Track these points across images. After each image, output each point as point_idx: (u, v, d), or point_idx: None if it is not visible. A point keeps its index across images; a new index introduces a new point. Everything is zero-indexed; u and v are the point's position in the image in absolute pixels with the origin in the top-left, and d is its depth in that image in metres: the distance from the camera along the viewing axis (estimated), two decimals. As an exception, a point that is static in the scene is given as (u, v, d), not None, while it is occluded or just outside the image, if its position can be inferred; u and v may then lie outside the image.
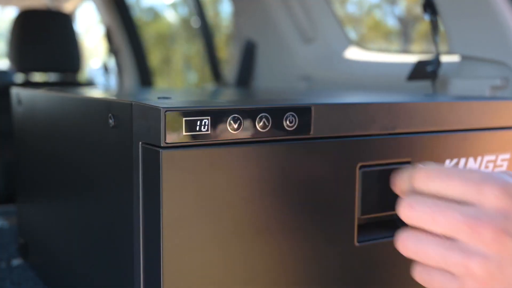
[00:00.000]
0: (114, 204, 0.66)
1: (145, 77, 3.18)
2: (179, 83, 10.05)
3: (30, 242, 1.03)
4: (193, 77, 9.86)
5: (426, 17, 1.28)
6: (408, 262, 0.56)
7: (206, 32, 2.90)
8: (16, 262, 1.10)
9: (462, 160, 0.75)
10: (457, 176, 0.51)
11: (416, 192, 0.54)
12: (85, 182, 0.75)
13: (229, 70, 2.23)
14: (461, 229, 0.49)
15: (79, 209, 0.77)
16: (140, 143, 0.58)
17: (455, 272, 0.50)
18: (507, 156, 0.79)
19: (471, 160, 0.76)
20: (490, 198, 0.49)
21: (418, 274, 0.55)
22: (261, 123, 0.59)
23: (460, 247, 0.50)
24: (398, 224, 0.72)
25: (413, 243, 0.53)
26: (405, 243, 0.54)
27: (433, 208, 0.51)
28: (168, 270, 0.56)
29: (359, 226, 0.68)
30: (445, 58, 1.29)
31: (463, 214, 0.49)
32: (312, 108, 0.62)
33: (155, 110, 0.55)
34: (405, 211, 0.53)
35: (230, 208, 0.58)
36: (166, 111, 0.54)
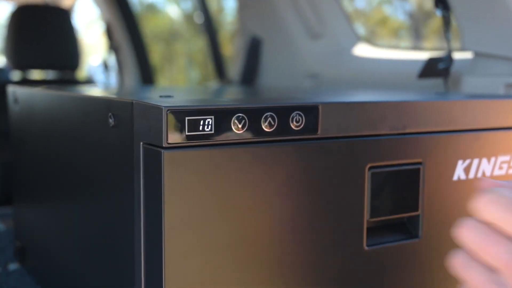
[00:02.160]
0: (114, 206, 0.66)
1: (146, 75, 3.18)
2: (181, 81, 10.05)
3: (28, 246, 1.03)
4: (196, 74, 9.86)
5: (438, 13, 1.27)
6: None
7: (209, 28, 2.91)
8: (13, 266, 1.10)
9: (475, 161, 0.75)
10: None
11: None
12: (84, 184, 0.75)
13: (233, 67, 2.23)
14: (507, 267, 0.52)
15: (78, 211, 0.78)
16: (141, 143, 0.58)
17: None
18: (522, 157, 0.79)
19: (484, 161, 0.76)
20: None
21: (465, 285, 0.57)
22: (266, 123, 0.59)
23: (500, 282, 0.53)
24: (408, 227, 0.72)
25: (460, 262, 0.56)
26: (453, 259, 0.56)
27: (488, 239, 0.54)
28: (170, 273, 0.56)
29: (368, 229, 0.68)
30: (457, 55, 1.29)
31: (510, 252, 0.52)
32: (320, 107, 0.62)
33: (157, 109, 0.55)
34: (463, 231, 0.55)
35: (233, 210, 0.58)
36: (168, 110, 0.54)
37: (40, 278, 0.97)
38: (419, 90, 1.28)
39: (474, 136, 0.75)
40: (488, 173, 0.77)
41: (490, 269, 0.54)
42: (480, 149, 0.76)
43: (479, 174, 0.76)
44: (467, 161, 0.75)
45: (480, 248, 0.54)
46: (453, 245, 0.56)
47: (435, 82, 1.30)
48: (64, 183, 0.82)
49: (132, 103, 0.60)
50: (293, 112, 0.60)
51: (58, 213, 0.86)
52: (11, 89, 1.05)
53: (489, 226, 0.55)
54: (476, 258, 0.55)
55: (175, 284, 0.57)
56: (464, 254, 0.56)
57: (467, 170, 0.75)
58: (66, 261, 0.83)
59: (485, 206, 0.54)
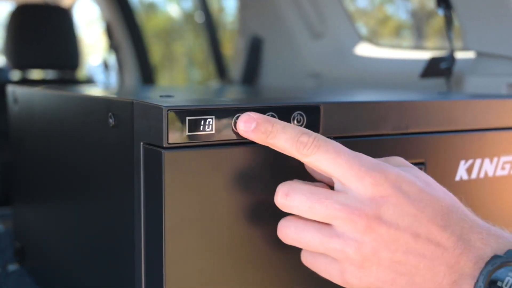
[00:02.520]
0: (114, 206, 0.66)
1: (147, 75, 3.18)
2: (182, 80, 10.05)
3: (27, 246, 1.03)
4: (196, 74, 9.86)
5: (440, 12, 1.27)
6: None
7: (210, 28, 2.91)
8: (12, 267, 1.10)
9: (478, 161, 0.75)
10: (345, 155, 0.54)
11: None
12: (84, 184, 0.75)
13: (234, 67, 2.23)
14: (337, 217, 0.53)
15: (78, 211, 0.78)
16: (142, 143, 0.58)
17: (334, 257, 0.55)
18: (524, 157, 0.79)
19: (487, 161, 0.76)
20: (367, 186, 0.53)
21: (304, 258, 0.59)
22: (267, 123, 0.59)
23: (337, 233, 0.54)
24: None
25: (292, 231, 0.56)
26: (284, 232, 0.57)
27: (309, 197, 0.54)
28: (171, 275, 0.56)
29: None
30: (459, 55, 1.29)
31: (339, 202, 0.53)
32: (321, 107, 0.62)
33: (157, 109, 0.55)
34: (282, 200, 0.56)
35: (235, 210, 0.58)
36: (168, 110, 0.54)
37: (40, 278, 0.97)
38: (421, 90, 1.28)
39: (476, 136, 0.75)
40: (490, 173, 0.77)
41: (323, 224, 0.55)
42: (482, 149, 0.76)
43: (482, 175, 0.76)
44: (470, 162, 0.75)
45: (308, 208, 0.54)
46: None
47: (437, 82, 1.30)
48: (64, 184, 0.82)
49: (132, 102, 0.60)
50: (295, 112, 0.60)
51: (58, 214, 0.86)
52: (10, 89, 1.05)
53: (308, 184, 0.56)
54: (304, 219, 0.56)
55: (175, 285, 0.57)
56: (290, 220, 0.57)
57: (469, 170, 0.75)
58: (66, 262, 0.83)
59: (311, 148, 0.54)
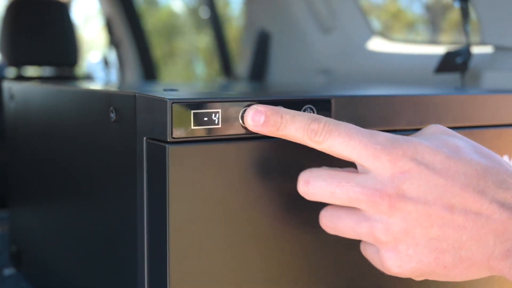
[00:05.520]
0: (116, 205, 0.66)
1: (149, 72, 3.18)
2: (186, 77, 10.06)
3: (24, 250, 1.03)
4: (201, 71, 9.86)
5: (456, 4, 1.27)
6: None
7: (215, 23, 2.91)
8: (8, 271, 1.11)
9: (496, 158, 0.75)
10: (358, 136, 0.54)
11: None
12: (84, 183, 0.75)
13: (241, 63, 2.23)
14: (359, 200, 0.53)
15: (78, 212, 0.78)
16: (145, 138, 0.58)
17: (368, 241, 0.55)
18: (545, 154, 0.79)
19: (505, 158, 0.76)
20: (385, 164, 0.53)
21: (361, 248, 0.59)
22: (276, 117, 0.59)
23: (365, 217, 0.54)
24: None
25: (329, 220, 0.57)
26: (324, 222, 0.58)
27: (330, 182, 0.54)
28: (175, 274, 0.56)
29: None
30: (476, 49, 1.29)
31: (358, 184, 0.53)
32: (332, 101, 0.63)
33: (161, 102, 0.55)
34: (303, 188, 0.56)
35: (241, 207, 0.58)
36: (172, 103, 0.54)
37: (37, 283, 0.98)
38: (436, 85, 1.28)
39: (494, 132, 0.75)
40: (509, 171, 0.77)
41: (352, 211, 0.55)
42: (500, 146, 0.76)
43: (500, 172, 0.76)
44: (487, 159, 0.75)
45: (329, 193, 0.54)
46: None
47: (453, 78, 1.30)
48: (63, 183, 0.82)
49: (134, 96, 0.60)
50: (305, 105, 0.60)
51: (56, 215, 0.86)
52: (6, 85, 1.05)
53: (327, 169, 0.56)
54: (338, 207, 0.56)
55: (180, 286, 0.57)
56: (328, 208, 0.57)
57: (487, 168, 0.75)
58: (64, 265, 0.84)
59: (323, 134, 0.54)
